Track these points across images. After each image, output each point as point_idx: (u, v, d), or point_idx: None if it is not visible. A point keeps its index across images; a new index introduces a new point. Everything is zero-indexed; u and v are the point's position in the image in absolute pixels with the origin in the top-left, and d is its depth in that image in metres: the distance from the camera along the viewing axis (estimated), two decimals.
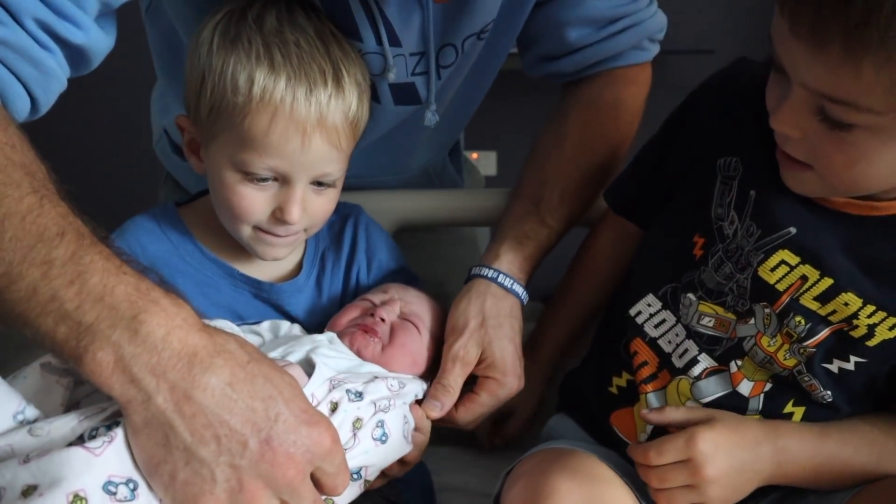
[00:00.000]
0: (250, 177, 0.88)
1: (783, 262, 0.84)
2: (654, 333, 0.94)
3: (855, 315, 0.82)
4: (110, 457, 0.66)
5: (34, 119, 0.83)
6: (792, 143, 0.78)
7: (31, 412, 0.70)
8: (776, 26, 0.73)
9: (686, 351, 0.91)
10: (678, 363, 0.92)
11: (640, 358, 0.94)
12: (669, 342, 0.92)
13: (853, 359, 0.84)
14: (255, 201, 0.89)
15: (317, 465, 0.70)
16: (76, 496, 0.63)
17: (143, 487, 0.67)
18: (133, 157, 1.90)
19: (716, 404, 0.90)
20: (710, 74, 0.94)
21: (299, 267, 1.02)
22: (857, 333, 0.83)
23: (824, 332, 0.84)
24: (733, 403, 0.90)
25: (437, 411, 0.93)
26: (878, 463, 0.85)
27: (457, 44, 0.99)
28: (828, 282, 0.83)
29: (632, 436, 0.95)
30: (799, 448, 0.85)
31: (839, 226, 0.83)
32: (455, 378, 0.94)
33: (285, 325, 0.97)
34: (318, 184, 0.91)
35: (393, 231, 1.16)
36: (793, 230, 0.84)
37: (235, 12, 0.88)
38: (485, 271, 1.00)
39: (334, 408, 0.81)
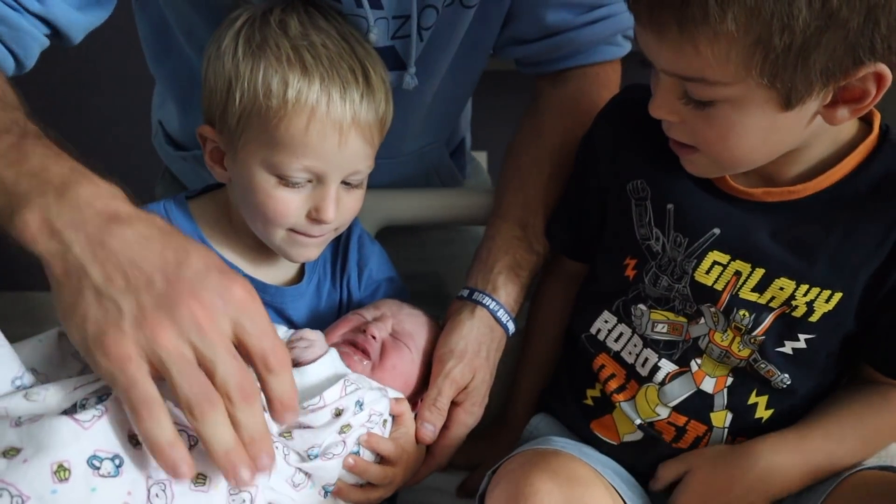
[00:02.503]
0: (285, 180, 0.89)
1: (715, 262, 0.88)
2: (615, 347, 0.97)
3: (792, 297, 0.85)
4: (98, 431, 0.67)
5: (21, 74, 0.88)
6: (674, 128, 0.83)
7: (28, 379, 0.72)
8: (634, 23, 0.79)
9: (647, 359, 0.94)
10: (642, 372, 0.94)
11: (608, 371, 0.97)
12: (630, 353, 0.95)
13: (802, 337, 0.87)
14: (290, 204, 0.90)
15: (233, 318, 0.67)
16: (60, 466, 0.64)
17: (128, 464, 0.68)
18: (132, 152, 1.86)
19: (683, 405, 0.93)
20: (599, 112, 0.98)
21: (301, 272, 1.04)
22: (798, 313, 0.86)
23: (769, 320, 0.87)
24: (700, 402, 0.92)
25: (431, 435, 0.95)
26: (865, 439, 0.88)
27: (437, 5, 0.98)
28: (760, 272, 0.86)
29: (615, 439, 0.98)
30: (783, 459, 0.87)
31: (761, 216, 0.86)
32: (448, 401, 0.97)
33: (282, 330, 0.97)
34: (347, 183, 0.92)
35: (376, 231, 1.17)
36: (717, 231, 0.87)
37: (256, 19, 0.89)
38: (486, 300, 1.01)
39: (338, 413, 0.84)
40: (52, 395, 0.70)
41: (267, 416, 0.82)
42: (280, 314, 1.02)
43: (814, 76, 0.72)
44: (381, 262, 1.08)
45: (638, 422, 0.95)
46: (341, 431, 0.85)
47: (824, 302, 0.85)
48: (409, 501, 1.03)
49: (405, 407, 0.94)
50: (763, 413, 0.91)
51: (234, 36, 0.88)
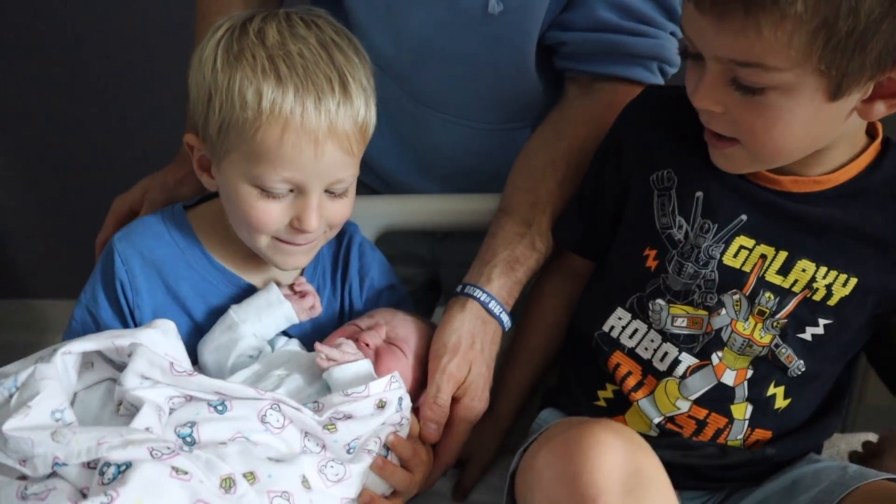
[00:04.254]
0: (266, 191, 0.89)
1: (742, 247, 0.91)
2: (630, 344, 0.97)
3: (813, 279, 0.89)
4: None
5: None
6: (716, 119, 0.85)
7: (69, 415, 0.75)
8: (685, 12, 0.82)
9: (666, 354, 0.95)
10: (660, 367, 0.95)
11: (624, 369, 0.98)
12: (646, 349, 0.96)
13: (822, 322, 0.91)
14: (272, 214, 0.90)
15: None
16: None
17: None
18: None
19: (704, 398, 0.94)
20: (625, 106, 1.01)
21: None
22: (818, 297, 0.90)
23: (792, 304, 0.91)
24: (720, 395, 0.94)
25: (435, 433, 0.96)
26: None
27: None
28: (783, 255, 0.90)
29: None
30: None
31: (787, 203, 0.90)
32: (448, 397, 0.96)
33: (282, 340, 0.99)
34: (331, 192, 0.92)
35: (377, 236, 1.15)
36: (744, 217, 0.91)
37: (236, 28, 0.89)
38: (478, 293, 1.01)
39: (381, 406, 0.87)
40: (76, 443, 0.71)
41: (306, 416, 0.84)
42: None
43: (868, 64, 0.76)
44: (382, 271, 1.08)
45: (657, 420, 0.95)
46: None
47: (841, 286, 0.89)
48: None
49: (414, 417, 0.95)
50: (781, 403, 0.93)
51: (214, 46, 0.89)
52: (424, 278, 1.36)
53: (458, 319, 0.99)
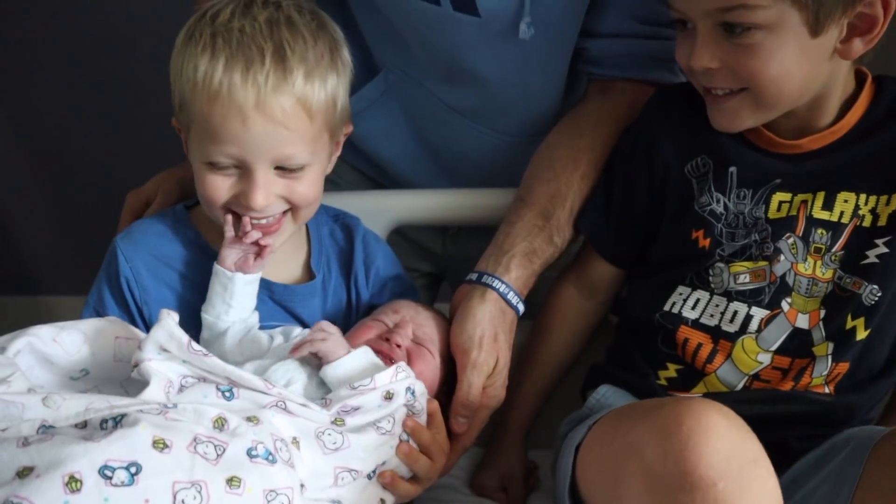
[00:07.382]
0: (213, 166, 0.89)
1: (781, 201, 0.95)
2: (693, 315, 0.98)
3: (857, 206, 0.93)
4: (110, 442, 0.68)
5: None
6: (717, 76, 0.89)
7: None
8: None
9: (736, 313, 0.95)
10: (731, 328, 0.96)
11: (693, 343, 0.97)
12: (711, 315, 0.97)
13: (880, 242, 0.93)
14: (218, 188, 0.90)
15: None
16: (71, 478, 0.65)
17: (147, 471, 0.67)
18: None
19: (784, 347, 0.94)
20: (641, 111, 1.05)
21: (307, 271, 1.03)
22: (867, 223, 0.93)
23: (845, 234, 0.93)
24: (799, 340, 0.94)
25: (465, 427, 0.97)
26: None
27: None
28: (822, 194, 0.94)
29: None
30: None
31: (811, 164, 0.95)
32: (479, 391, 0.97)
33: (297, 330, 0.97)
34: (283, 168, 0.90)
35: (387, 231, 1.14)
36: (778, 181, 0.95)
37: (201, 14, 0.90)
38: (497, 284, 1.00)
39: (389, 397, 0.87)
40: (65, 407, 0.72)
41: (314, 411, 0.83)
42: (290, 313, 1.01)
43: None
44: (387, 260, 1.08)
45: (740, 385, 0.95)
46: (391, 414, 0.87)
47: (885, 205, 0.92)
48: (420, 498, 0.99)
49: (435, 405, 0.94)
50: (862, 334, 0.94)
51: (182, 35, 0.91)
52: (432, 274, 1.37)
53: (480, 311, 0.99)
